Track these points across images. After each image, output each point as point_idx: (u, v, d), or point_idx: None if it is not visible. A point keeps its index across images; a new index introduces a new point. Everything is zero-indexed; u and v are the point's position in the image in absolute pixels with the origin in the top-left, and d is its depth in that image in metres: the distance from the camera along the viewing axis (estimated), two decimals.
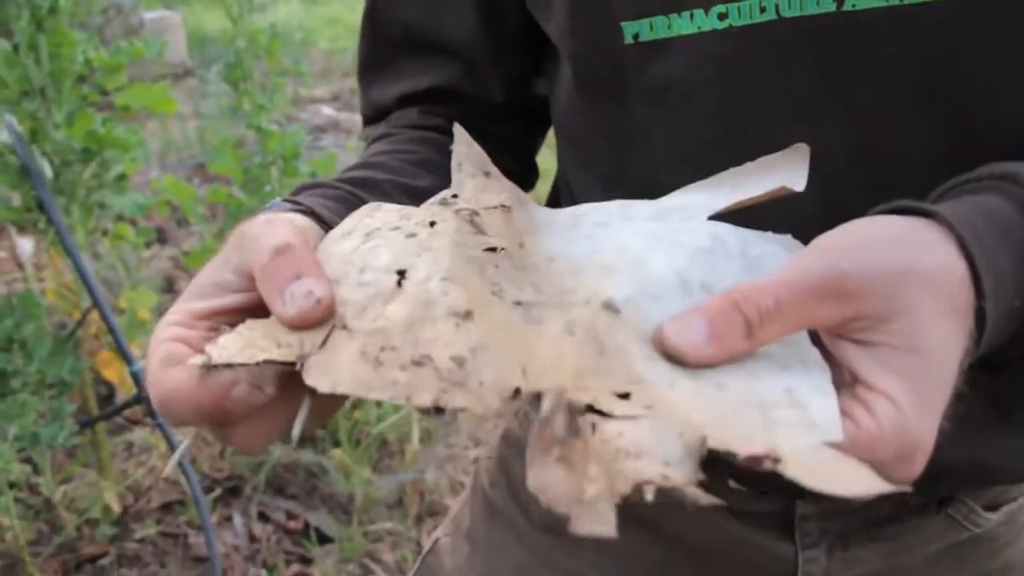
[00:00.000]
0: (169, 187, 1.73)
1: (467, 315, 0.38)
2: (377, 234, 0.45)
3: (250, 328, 0.40)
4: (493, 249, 0.44)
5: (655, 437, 0.34)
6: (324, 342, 0.39)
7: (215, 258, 0.46)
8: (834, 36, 0.51)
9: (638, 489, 0.32)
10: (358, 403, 1.99)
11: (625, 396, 0.36)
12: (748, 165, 0.50)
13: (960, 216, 0.40)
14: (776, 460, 0.33)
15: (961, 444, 0.58)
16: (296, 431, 0.40)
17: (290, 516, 1.82)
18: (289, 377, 0.39)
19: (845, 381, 0.38)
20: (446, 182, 0.52)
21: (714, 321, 0.38)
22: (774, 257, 0.44)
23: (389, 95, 0.71)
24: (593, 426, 0.34)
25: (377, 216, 0.47)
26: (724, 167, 0.53)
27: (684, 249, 0.44)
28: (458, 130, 0.53)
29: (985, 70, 0.50)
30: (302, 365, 0.38)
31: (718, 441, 0.33)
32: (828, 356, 0.39)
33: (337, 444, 1.91)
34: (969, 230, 0.40)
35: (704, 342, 0.38)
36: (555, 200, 0.74)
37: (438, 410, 0.36)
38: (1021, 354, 0.45)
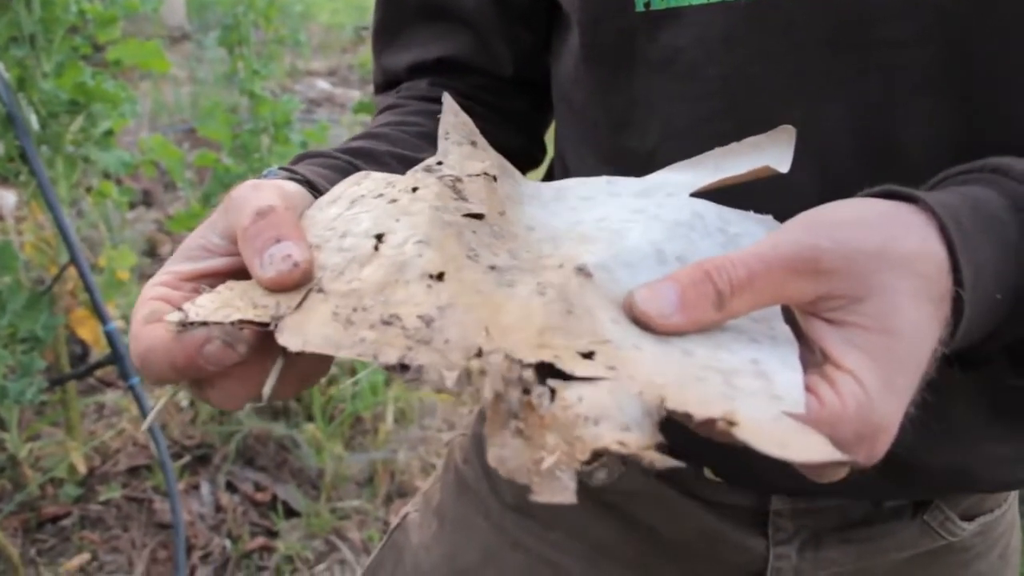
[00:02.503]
0: (156, 147, 1.70)
1: (439, 277, 0.39)
2: (361, 201, 0.45)
3: (229, 288, 0.41)
4: (473, 215, 0.44)
5: (614, 400, 0.33)
6: (299, 304, 0.39)
7: (204, 222, 0.46)
8: (843, 16, 0.50)
9: (596, 455, 0.32)
10: (334, 379, 1.98)
11: (589, 356, 0.35)
12: (734, 145, 0.49)
13: (944, 203, 0.40)
14: (731, 423, 0.33)
15: (943, 449, 0.58)
16: (267, 390, 0.41)
17: (258, 488, 1.80)
18: (265, 338, 0.39)
19: (815, 360, 0.37)
20: None
21: (684, 290, 0.37)
22: (753, 236, 0.44)
23: (400, 63, 0.71)
24: (553, 392, 0.34)
25: (364, 184, 0.47)
26: (719, 145, 0.52)
27: (663, 223, 0.44)
28: (446, 99, 0.53)
29: (997, 59, 0.49)
30: (276, 326, 0.38)
31: (676, 402, 0.33)
32: (799, 333, 0.39)
33: (310, 419, 1.89)
34: (951, 218, 0.39)
35: (673, 310, 0.37)
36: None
37: (403, 368, 0.35)
38: (1002, 350, 0.44)
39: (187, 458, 1.84)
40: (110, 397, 1.98)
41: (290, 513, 1.76)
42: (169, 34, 3.85)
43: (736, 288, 0.37)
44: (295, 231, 0.42)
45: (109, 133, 1.59)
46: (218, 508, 1.75)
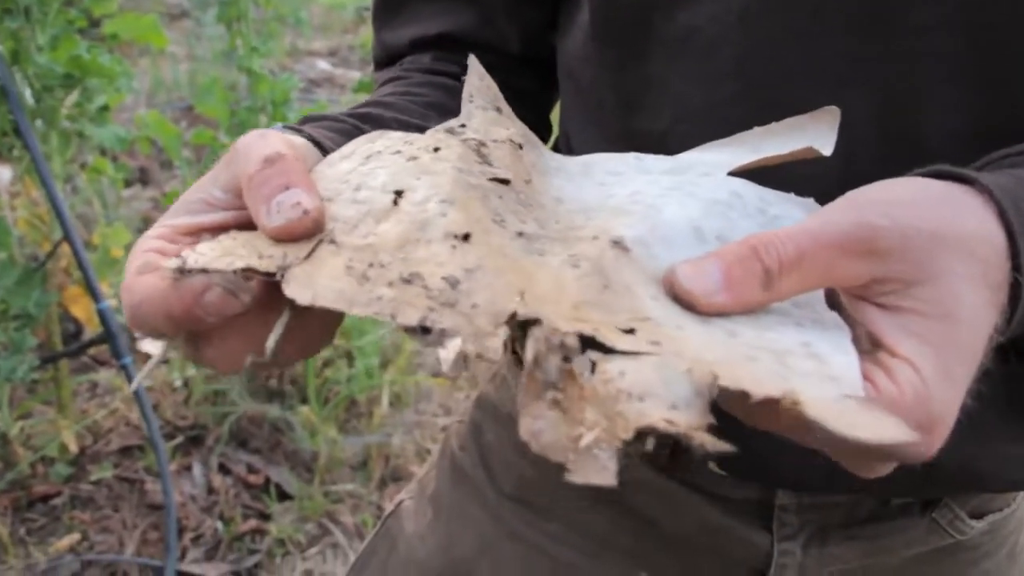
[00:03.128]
0: (152, 124, 1.68)
1: (465, 238, 0.36)
2: (377, 157, 0.43)
3: (232, 238, 0.38)
4: (499, 180, 0.42)
5: (661, 376, 0.31)
6: (309, 255, 0.36)
7: (205, 176, 0.44)
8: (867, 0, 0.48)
9: (641, 434, 0.29)
10: (329, 361, 1.96)
11: (630, 332, 0.33)
12: (774, 125, 0.47)
13: (1001, 185, 0.37)
14: (795, 403, 0.30)
15: (955, 447, 0.56)
16: (270, 344, 0.38)
17: (251, 470, 1.79)
18: (270, 292, 0.36)
19: (863, 348, 0.35)
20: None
21: (731, 267, 0.35)
22: (795, 219, 0.41)
23: (402, 38, 0.68)
24: (593, 364, 0.31)
25: (379, 141, 0.45)
26: (735, 129, 0.50)
27: (699, 200, 0.41)
28: (472, 61, 0.51)
29: (1023, 48, 0.47)
30: (282, 276, 0.36)
31: (731, 380, 0.30)
32: (846, 319, 0.36)
33: (305, 401, 1.88)
34: (1010, 200, 0.37)
35: (718, 288, 0.35)
36: None
37: (424, 330, 0.33)
38: None
39: (180, 439, 1.82)
40: (103, 376, 1.97)
41: (283, 496, 1.75)
42: (168, 11, 3.82)
43: (785, 266, 0.35)
44: (304, 178, 0.39)
45: (105, 108, 1.56)
46: (210, 490, 1.74)
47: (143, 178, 2.73)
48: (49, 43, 1.46)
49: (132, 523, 1.65)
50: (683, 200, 0.41)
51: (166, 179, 2.74)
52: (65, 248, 1.65)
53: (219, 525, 1.68)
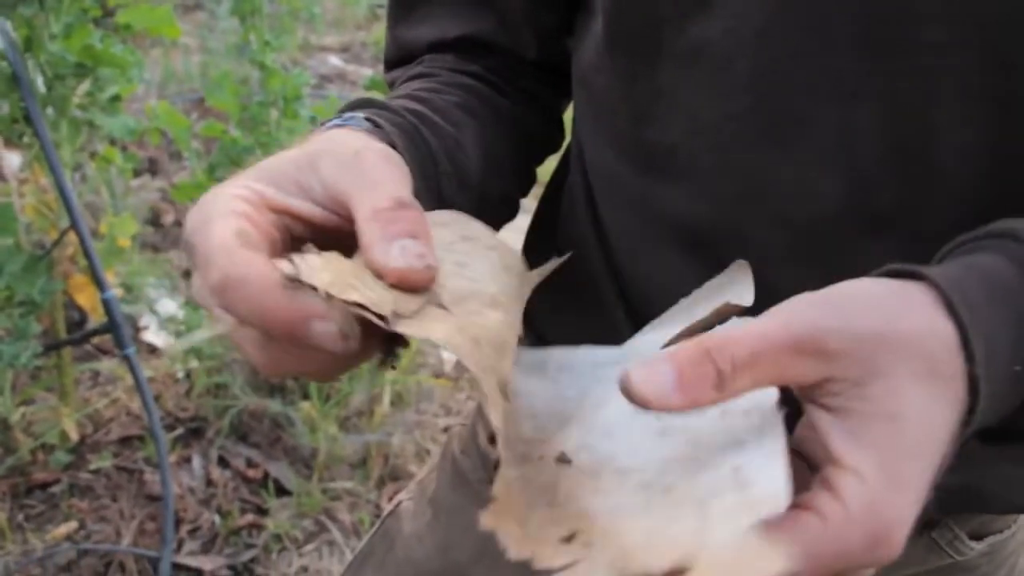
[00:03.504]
0: (163, 115, 1.68)
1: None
2: (474, 243, 0.46)
3: (339, 260, 0.38)
4: None
5: None
6: (418, 311, 0.38)
7: (298, 154, 0.42)
8: (880, 14, 0.48)
9: None
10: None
11: (570, 539, 0.36)
12: (694, 292, 0.50)
13: (950, 277, 0.38)
14: (684, 570, 0.33)
15: (956, 469, 0.56)
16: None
17: (250, 464, 1.79)
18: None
19: (816, 459, 0.37)
20: (486, 131, 0.59)
21: (683, 370, 0.35)
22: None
23: (420, 38, 0.67)
24: None
25: (473, 226, 0.48)
26: (745, 143, 0.51)
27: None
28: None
29: None
30: (389, 322, 0.36)
31: (640, 565, 0.34)
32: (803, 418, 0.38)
33: (306, 397, 1.88)
34: (958, 291, 0.37)
35: (671, 390, 0.35)
36: (563, 168, 0.70)
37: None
38: None
39: (180, 430, 1.82)
40: (105, 365, 1.97)
41: (281, 491, 1.75)
42: (182, 2, 3.82)
43: (738, 367, 0.35)
44: (429, 237, 0.39)
45: (116, 98, 1.56)
46: (209, 482, 1.74)
47: (152, 168, 2.74)
48: (62, 31, 1.46)
49: (130, 513, 1.65)
50: (615, 357, 0.46)
51: (175, 170, 2.74)
52: (71, 236, 1.65)
53: (216, 518, 1.68)
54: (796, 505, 0.34)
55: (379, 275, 0.38)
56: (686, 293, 0.58)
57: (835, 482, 0.34)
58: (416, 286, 0.38)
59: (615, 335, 0.62)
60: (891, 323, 0.36)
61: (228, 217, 0.38)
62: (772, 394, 0.38)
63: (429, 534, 0.74)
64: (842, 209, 0.51)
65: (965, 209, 0.49)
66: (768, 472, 0.35)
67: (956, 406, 0.36)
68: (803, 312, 0.37)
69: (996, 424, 0.40)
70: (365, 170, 0.41)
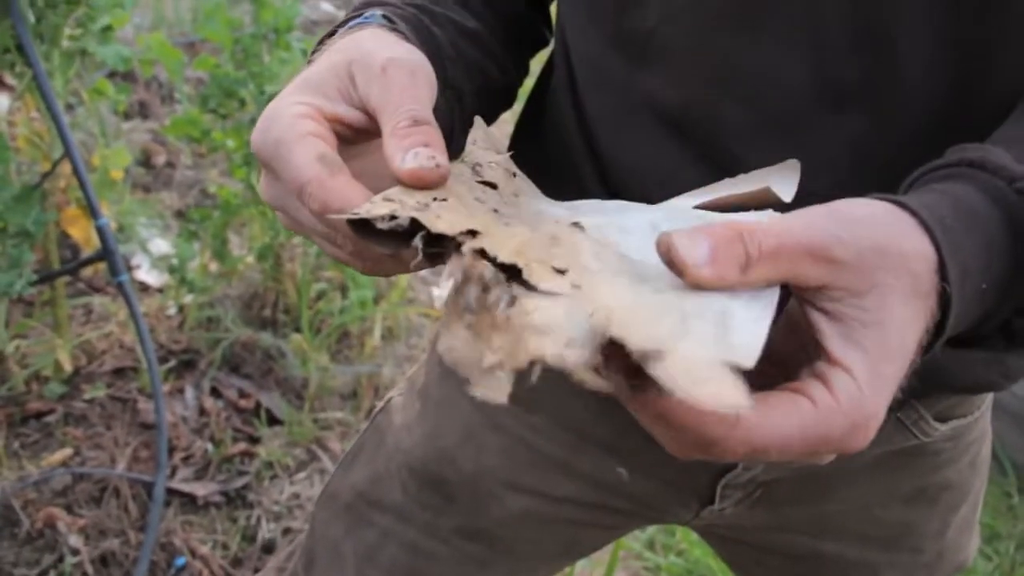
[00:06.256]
0: (155, 46, 1.68)
1: (443, 200, 0.43)
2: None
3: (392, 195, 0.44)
4: (487, 184, 0.49)
5: (566, 315, 0.35)
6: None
7: (335, 63, 0.49)
8: None
9: (533, 364, 0.34)
10: (323, 293, 1.98)
11: (562, 272, 0.37)
12: (743, 175, 0.51)
13: (928, 205, 0.42)
14: (656, 358, 0.33)
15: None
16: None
17: (242, 395, 1.81)
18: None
19: (809, 354, 0.40)
20: (486, 26, 0.64)
21: (717, 245, 0.38)
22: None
23: None
24: (514, 298, 0.36)
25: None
26: (717, 27, 0.53)
27: (663, 210, 0.48)
28: (477, 120, 0.58)
29: None
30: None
31: (619, 329, 0.34)
32: (801, 319, 0.41)
33: (298, 330, 1.90)
34: (936, 218, 0.41)
35: (704, 263, 0.38)
36: (550, 63, 0.72)
37: (392, 218, 0.41)
38: (996, 330, 0.47)
39: (173, 362, 1.84)
40: (98, 301, 1.98)
41: (273, 421, 1.78)
42: None
43: (762, 256, 0.38)
44: (441, 145, 0.45)
45: (108, 28, 1.57)
46: (201, 412, 1.76)
47: (143, 111, 2.73)
48: None
49: (124, 441, 1.68)
50: (648, 208, 0.48)
51: (167, 113, 2.74)
52: (64, 170, 1.66)
53: (209, 446, 1.71)
54: (791, 389, 0.38)
55: (398, 179, 0.44)
56: (663, 175, 0.60)
57: (827, 376, 0.38)
58: (429, 183, 0.44)
59: None
60: (891, 242, 0.40)
61: (305, 140, 0.46)
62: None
63: (418, 424, 0.77)
64: (807, 88, 0.54)
65: (923, 88, 0.52)
66: (750, 328, 0.37)
67: (928, 319, 0.41)
68: (819, 220, 0.40)
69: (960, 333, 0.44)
70: (391, 87, 0.47)
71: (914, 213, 0.41)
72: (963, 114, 0.52)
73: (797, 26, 0.52)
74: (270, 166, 0.48)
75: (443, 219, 0.40)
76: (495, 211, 0.45)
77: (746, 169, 0.52)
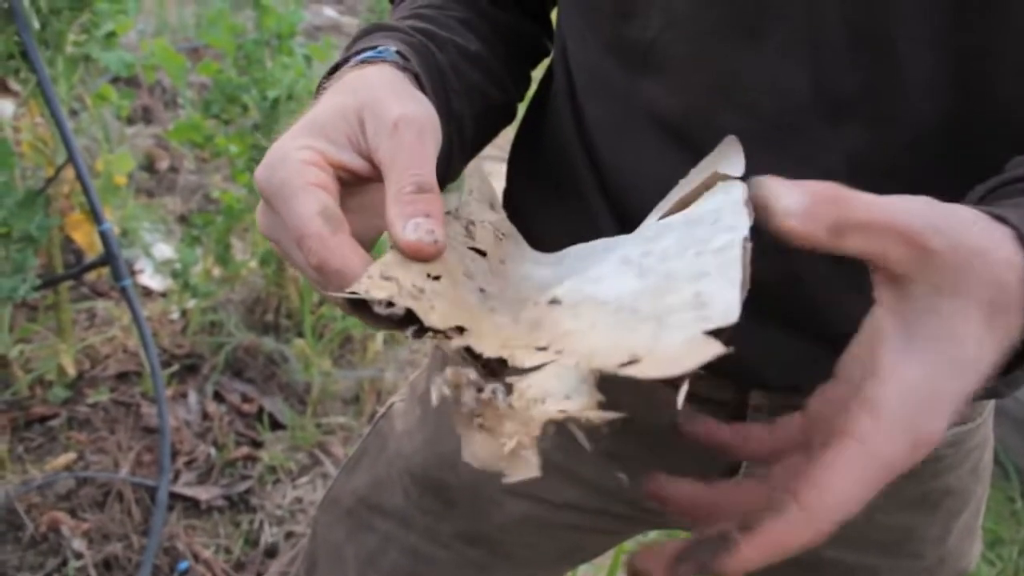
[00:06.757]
0: (158, 52, 1.69)
1: (436, 278, 0.44)
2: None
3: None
4: (477, 251, 0.51)
5: (556, 376, 0.38)
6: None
7: (345, 105, 0.49)
8: None
9: (546, 428, 0.36)
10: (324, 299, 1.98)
11: (543, 349, 0.40)
12: (691, 172, 0.53)
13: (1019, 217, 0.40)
14: (632, 363, 0.36)
15: None
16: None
17: (245, 399, 1.82)
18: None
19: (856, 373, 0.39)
20: (488, 46, 0.64)
21: (815, 200, 0.37)
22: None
23: None
24: (510, 386, 0.38)
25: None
26: (718, 36, 0.53)
27: (632, 239, 0.49)
28: (476, 168, 0.59)
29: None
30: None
31: (599, 364, 0.37)
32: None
33: (300, 335, 1.90)
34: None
35: (796, 212, 0.37)
36: (550, 75, 0.72)
37: (390, 304, 0.41)
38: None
39: (176, 367, 1.85)
40: (102, 305, 1.99)
41: (275, 425, 1.78)
42: None
43: (855, 224, 0.37)
44: (440, 217, 0.45)
45: (112, 35, 1.57)
46: (205, 416, 1.77)
47: (146, 116, 2.74)
48: None
49: (127, 445, 1.68)
50: (625, 241, 0.50)
51: (170, 118, 2.75)
52: (68, 175, 1.67)
53: (212, 451, 1.71)
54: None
55: (396, 247, 0.45)
56: (662, 183, 0.60)
57: (875, 400, 0.36)
58: (426, 257, 0.45)
59: (595, 225, 0.64)
60: (987, 246, 0.38)
61: (308, 191, 0.45)
62: (743, 228, 0.41)
63: (419, 429, 0.77)
64: (807, 98, 0.54)
65: (922, 97, 0.52)
66: (725, 294, 0.38)
67: (1008, 336, 0.38)
68: (920, 206, 0.38)
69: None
70: (400, 146, 0.47)
71: (1014, 227, 0.39)
72: (962, 123, 0.52)
73: (797, 34, 0.53)
74: (272, 204, 0.47)
75: (436, 311, 0.42)
76: (481, 291, 0.47)
77: (745, 176, 0.52)
